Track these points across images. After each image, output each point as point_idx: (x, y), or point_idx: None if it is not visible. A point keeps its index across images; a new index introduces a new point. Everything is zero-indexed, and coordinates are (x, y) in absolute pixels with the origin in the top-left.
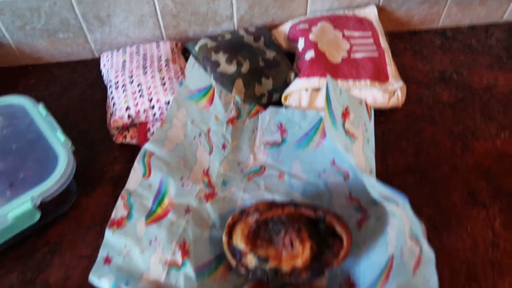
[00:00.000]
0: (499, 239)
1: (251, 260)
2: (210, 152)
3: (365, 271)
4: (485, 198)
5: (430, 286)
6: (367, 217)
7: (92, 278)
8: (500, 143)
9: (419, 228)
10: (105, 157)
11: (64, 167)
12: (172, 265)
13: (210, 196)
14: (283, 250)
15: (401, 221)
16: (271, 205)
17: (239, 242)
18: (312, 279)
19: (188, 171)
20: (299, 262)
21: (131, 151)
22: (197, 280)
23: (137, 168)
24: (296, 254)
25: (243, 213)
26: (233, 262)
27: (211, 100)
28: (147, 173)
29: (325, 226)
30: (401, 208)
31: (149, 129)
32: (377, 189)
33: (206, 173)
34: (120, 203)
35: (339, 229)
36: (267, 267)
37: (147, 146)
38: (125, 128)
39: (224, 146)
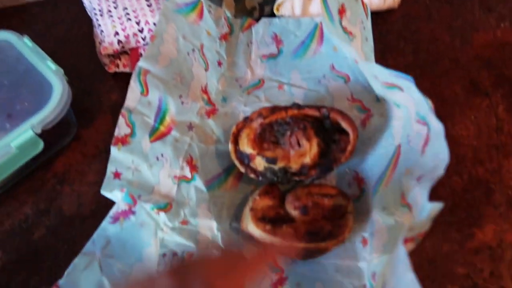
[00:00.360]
0: (502, 123)
1: (259, 163)
2: (206, 69)
3: (372, 165)
4: (487, 87)
5: (440, 158)
6: (371, 115)
7: (104, 192)
8: (500, 33)
9: (426, 107)
10: (100, 88)
11: (59, 95)
12: (182, 179)
13: (212, 112)
14: (290, 150)
15: (406, 109)
16: (274, 109)
17: (246, 147)
18: (321, 176)
19: (186, 89)
20: (308, 160)
21: (126, 80)
22: (208, 191)
23: (134, 86)
24: (304, 152)
25: (247, 120)
26: (242, 168)
27: (201, 15)
28: (144, 91)
29: (330, 123)
30: (406, 93)
31: (141, 55)
32: (380, 77)
33: (205, 90)
34: (121, 121)
35: (344, 124)
36: (276, 168)
37: (141, 64)
38: (117, 56)
39: (219, 63)
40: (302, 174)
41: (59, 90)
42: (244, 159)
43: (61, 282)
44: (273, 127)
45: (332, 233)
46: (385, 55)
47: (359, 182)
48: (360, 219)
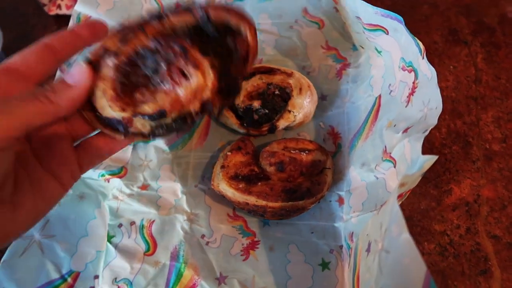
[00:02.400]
0: (481, 74)
1: (142, 124)
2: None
3: (349, 119)
4: (466, 35)
5: (430, 107)
6: (347, 64)
7: None
8: None
9: (415, 51)
10: (41, 33)
11: None
12: (138, 140)
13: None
14: (176, 88)
15: (388, 55)
16: (124, 33)
17: (110, 110)
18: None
19: None
20: (207, 93)
21: None
22: (170, 151)
23: None
24: (197, 85)
25: (90, 63)
26: (119, 136)
27: None
28: None
29: (215, 28)
30: (391, 36)
31: None
32: (364, 17)
33: None
34: (60, 75)
35: (234, 21)
36: (170, 120)
37: (78, 8)
38: None
39: (177, 5)
40: (206, 110)
41: None
42: (117, 126)
43: None
44: (135, 63)
45: (310, 191)
46: None
47: (335, 137)
48: (335, 177)
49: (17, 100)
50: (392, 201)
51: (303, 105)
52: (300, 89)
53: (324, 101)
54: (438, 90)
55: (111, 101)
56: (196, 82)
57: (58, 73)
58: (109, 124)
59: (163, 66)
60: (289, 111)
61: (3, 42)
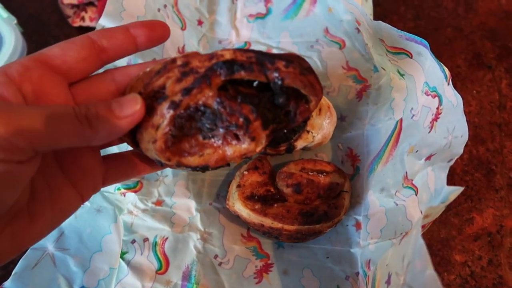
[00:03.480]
0: (505, 100)
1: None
2: (183, 28)
3: (369, 142)
4: (491, 60)
5: (455, 135)
6: (368, 86)
7: None
8: (506, 1)
9: (439, 76)
10: None
11: (11, 47)
12: None
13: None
14: (225, 148)
15: (411, 79)
16: (182, 74)
17: (154, 155)
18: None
19: (159, 51)
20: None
21: None
22: None
23: None
24: (248, 149)
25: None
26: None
27: None
28: None
29: (285, 97)
30: (415, 60)
31: None
32: (387, 39)
33: (183, 52)
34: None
35: (306, 90)
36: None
37: (103, 22)
38: (82, 7)
39: (200, 22)
40: None
41: (10, 42)
42: (157, 163)
43: (6, 284)
44: (193, 117)
45: (327, 215)
46: (384, 20)
47: (353, 160)
48: (352, 201)
49: (51, 109)
50: (415, 233)
51: (322, 126)
52: (320, 109)
53: (343, 122)
54: (464, 118)
55: (159, 152)
56: (246, 147)
57: None
58: (151, 159)
59: (221, 129)
60: (308, 132)
61: (26, 52)
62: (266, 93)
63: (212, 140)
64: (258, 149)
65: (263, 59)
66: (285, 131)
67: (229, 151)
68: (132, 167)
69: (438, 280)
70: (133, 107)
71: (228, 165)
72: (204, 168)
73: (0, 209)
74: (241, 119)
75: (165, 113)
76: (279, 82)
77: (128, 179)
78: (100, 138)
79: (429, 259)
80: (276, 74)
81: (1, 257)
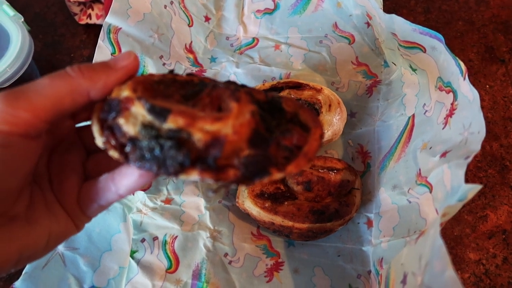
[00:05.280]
0: None
1: (135, 117)
2: (190, 24)
3: (380, 138)
4: (504, 53)
5: (471, 131)
6: (378, 81)
7: None
8: None
9: (454, 71)
10: (71, 42)
11: (18, 45)
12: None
13: (199, 74)
14: (202, 109)
15: (424, 74)
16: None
17: (122, 88)
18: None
19: (167, 47)
20: (228, 129)
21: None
22: None
23: (103, 46)
24: (225, 115)
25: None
26: (100, 140)
27: None
28: (116, 51)
29: (282, 110)
30: (428, 54)
31: None
32: (400, 34)
33: (190, 49)
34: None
35: (303, 116)
36: (165, 128)
37: (110, 20)
38: (88, 5)
39: (207, 18)
40: (210, 162)
41: (17, 41)
42: (109, 111)
43: (17, 284)
44: (181, 84)
45: (338, 212)
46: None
47: (364, 156)
48: (364, 198)
49: (45, 78)
50: (433, 233)
51: (332, 122)
52: (330, 105)
53: (353, 118)
54: (481, 114)
55: (133, 81)
56: (225, 113)
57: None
58: (105, 110)
59: (206, 91)
60: None
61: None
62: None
63: (192, 106)
64: (238, 122)
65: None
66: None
67: (202, 113)
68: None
69: (459, 282)
70: (128, 58)
71: (177, 163)
72: (162, 112)
73: (4, 192)
74: (231, 86)
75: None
76: (277, 100)
77: (103, 208)
78: (98, 90)
79: (449, 260)
80: (274, 95)
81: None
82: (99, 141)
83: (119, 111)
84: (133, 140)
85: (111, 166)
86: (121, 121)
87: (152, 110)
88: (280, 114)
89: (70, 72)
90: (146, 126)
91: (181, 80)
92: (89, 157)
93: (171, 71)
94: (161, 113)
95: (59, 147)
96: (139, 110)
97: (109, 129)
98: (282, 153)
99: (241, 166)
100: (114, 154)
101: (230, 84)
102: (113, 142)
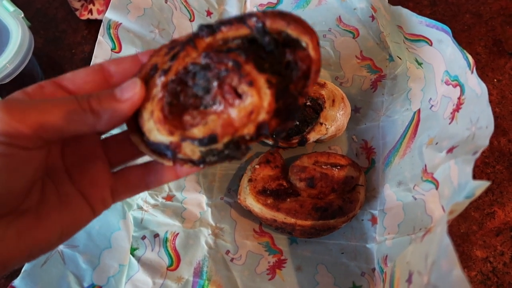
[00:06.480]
0: None
1: (191, 150)
2: (191, 19)
3: (385, 134)
4: None
5: (479, 126)
6: (382, 76)
7: None
8: None
9: (462, 64)
10: (72, 38)
11: (18, 41)
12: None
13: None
14: (228, 109)
15: (429, 68)
16: (173, 50)
17: (157, 134)
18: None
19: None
20: (263, 114)
21: None
22: None
23: (103, 42)
24: (252, 105)
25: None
26: (168, 163)
27: None
28: (116, 47)
29: (272, 40)
30: (435, 47)
31: None
32: (406, 26)
33: None
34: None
35: (294, 32)
36: (221, 146)
37: (109, 15)
38: (89, 0)
39: (209, 13)
40: (262, 134)
41: (17, 36)
42: (165, 151)
43: (16, 282)
44: (185, 81)
45: (342, 209)
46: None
47: (368, 152)
48: (368, 195)
49: (55, 101)
50: (440, 231)
51: (335, 118)
52: (333, 100)
53: (357, 113)
54: (490, 108)
55: (159, 123)
56: (250, 102)
57: None
58: (157, 149)
59: (215, 84)
60: (321, 124)
61: (34, 47)
62: (252, 39)
63: (214, 107)
64: (265, 103)
65: (245, 16)
66: (297, 123)
67: (234, 112)
68: (138, 178)
69: (467, 281)
70: (133, 89)
71: (243, 154)
72: (212, 139)
73: (8, 196)
74: (230, 63)
75: (157, 82)
76: (260, 25)
77: (137, 193)
78: (104, 123)
79: (456, 259)
80: (254, 19)
81: (8, 257)
82: (168, 164)
83: (173, 152)
84: (201, 159)
85: (135, 149)
86: (183, 156)
87: (202, 144)
88: (275, 43)
89: (81, 104)
90: (206, 151)
91: (177, 78)
92: (107, 142)
93: (155, 67)
94: (210, 141)
95: (69, 139)
96: (191, 147)
97: (176, 159)
98: (299, 83)
99: (278, 115)
100: (187, 166)
101: (219, 52)
102: (182, 162)
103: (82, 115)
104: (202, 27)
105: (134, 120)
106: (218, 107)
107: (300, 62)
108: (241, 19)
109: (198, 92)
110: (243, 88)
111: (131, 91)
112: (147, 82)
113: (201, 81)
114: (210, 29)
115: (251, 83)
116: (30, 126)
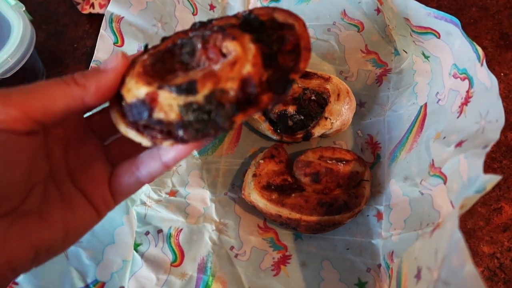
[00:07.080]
0: None
1: (168, 105)
2: (194, 13)
3: (391, 128)
4: None
5: (489, 119)
6: (388, 70)
7: None
8: None
9: (471, 57)
10: (74, 32)
11: (19, 35)
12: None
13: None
14: (211, 64)
15: (436, 61)
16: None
17: (134, 88)
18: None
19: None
20: (248, 67)
21: None
22: (200, 156)
23: (105, 35)
24: (235, 56)
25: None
26: (138, 137)
27: None
28: (119, 41)
29: (259, 21)
30: (443, 40)
31: None
32: (414, 18)
33: None
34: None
35: (280, 17)
36: (201, 99)
37: (111, 9)
38: None
39: (212, 7)
40: (249, 98)
41: (18, 30)
42: (142, 114)
43: (19, 278)
44: (172, 51)
45: (347, 205)
46: None
47: (374, 147)
48: (373, 190)
49: (41, 82)
50: (450, 226)
51: (341, 112)
52: (338, 95)
53: (362, 108)
54: (500, 101)
55: (137, 76)
56: (234, 55)
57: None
58: (134, 116)
59: (199, 46)
60: (326, 118)
61: (35, 41)
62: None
63: (196, 67)
64: (249, 55)
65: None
66: (302, 117)
67: (217, 66)
68: (135, 171)
69: (479, 277)
70: (116, 59)
71: (229, 120)
72: (190, 86)
73: (5, 191)
74: (215, 28)
75: (145, 56)
76: (248, 12)
77: (134, 191)
78: (91, 95)
79: (468, 254)
80: (243, 11)
81: (14, 258)
82: (145, 142)
83: (150, 108)
84: (180, 122)
85: (135, 148)
86: (159, 115)
87: (180, 90)
88: (261, 26)
89: (65, 80)
90: (185, 105)
91: (165, 49)
92: (109, 144)
93: (146, 46)
94: (189, 89)
95: (72, 140)
96: (168, 97)
97: (147, 128)
98: (289, 58)
99: (270, 88)
100: (167, 144)
101: (207, 27)
102: (159, 136)
103: (67, 88)
104: (195, 23)
105: (117, 98)
106: (199, 66)
107: (288, 35)
108: (232, 15)
109: (184, 58)
110: (227, 45)
111: (114, 61)
112: (136, 60)
113: (187, 48)
114: (202, 23)
115: (234, 37)
116: (16, 106)
